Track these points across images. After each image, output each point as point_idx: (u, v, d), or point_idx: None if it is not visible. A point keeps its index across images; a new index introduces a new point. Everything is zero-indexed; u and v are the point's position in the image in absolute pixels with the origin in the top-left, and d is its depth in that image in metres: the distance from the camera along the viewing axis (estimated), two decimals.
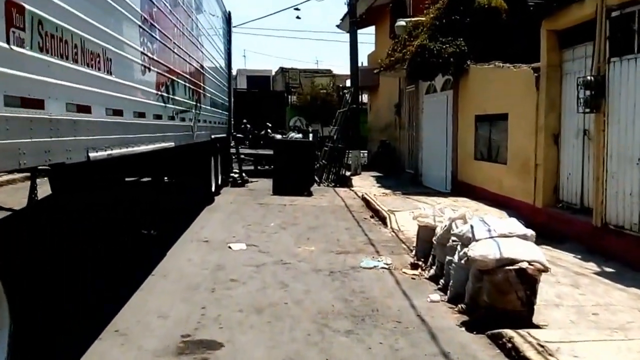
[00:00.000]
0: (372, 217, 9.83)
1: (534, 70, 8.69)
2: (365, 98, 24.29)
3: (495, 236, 4.57)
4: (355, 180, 15.36)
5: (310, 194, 12.60)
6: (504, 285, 4.33)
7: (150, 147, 5.21)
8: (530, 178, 8.72)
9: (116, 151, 4.10)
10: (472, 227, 4.77)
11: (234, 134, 14.96)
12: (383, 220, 9.24)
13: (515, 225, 4.81)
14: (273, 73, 41.53)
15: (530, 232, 4.72)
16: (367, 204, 11.12)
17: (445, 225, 5.56)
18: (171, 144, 6.32)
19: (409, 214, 9.35)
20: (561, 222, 7.78)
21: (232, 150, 15.04)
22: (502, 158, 9.92)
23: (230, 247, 7.00)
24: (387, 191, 12.63)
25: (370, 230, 8.62)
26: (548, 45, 8.26)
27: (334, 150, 16.07)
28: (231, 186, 14.05)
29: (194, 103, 8.34)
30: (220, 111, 12.26)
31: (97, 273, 5.34)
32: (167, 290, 5.22)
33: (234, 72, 43.56)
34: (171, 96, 6.42)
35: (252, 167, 18.14)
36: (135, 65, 4.81)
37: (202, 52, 9.26)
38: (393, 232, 8.40)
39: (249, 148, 19.36)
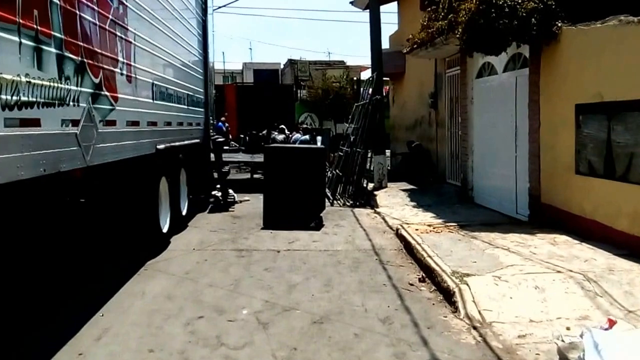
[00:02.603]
0: (421, 280, 5.78)
1: None
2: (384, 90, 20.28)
3: None
4: (381, 196, 11.35)
5: (319, 226, 8.58)
6: None
7: None
8: None
9: None
10: None
11: (215, 137, 10.97)
12: (446, 294, 5.19)
13: None
14: (282, 66, 38.48)
15: None
16: (407, 246, 7.10)
17: None
18: None
19: (493, 280, 5.37)
20: None
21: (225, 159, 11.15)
22: None
23: None
24: (430, 217, 8.61)
25: (430, 324, 4.57)
26: None
27: (352, 156, 12.04)
28: (210, 210, 10.11)
29: (90, 90, 4.39)
30: (186, 107, 8.32)
31: None
32: None
33: (239, 66, 40.42)
34: None
35: (249, 176, 14.79)
36: None
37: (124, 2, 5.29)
38: (474, 329, 4.38)
39: (245, 153, 16.02)
